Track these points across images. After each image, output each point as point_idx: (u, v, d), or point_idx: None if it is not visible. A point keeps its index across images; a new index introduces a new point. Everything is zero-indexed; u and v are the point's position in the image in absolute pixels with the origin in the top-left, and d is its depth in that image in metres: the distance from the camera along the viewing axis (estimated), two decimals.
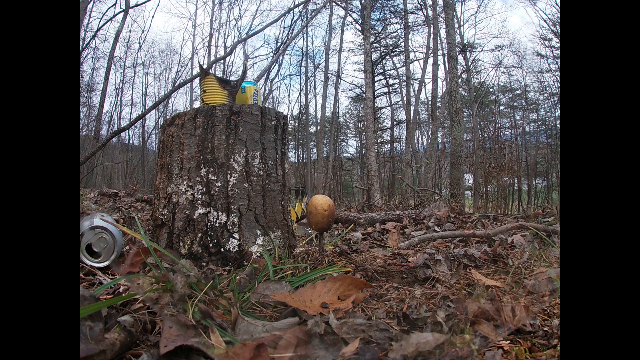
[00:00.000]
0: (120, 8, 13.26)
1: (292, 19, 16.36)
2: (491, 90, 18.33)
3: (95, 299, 0.78)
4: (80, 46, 13.36)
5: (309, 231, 2.47)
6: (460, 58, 14.73)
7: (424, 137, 18.27)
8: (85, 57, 16.18)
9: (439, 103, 14.16)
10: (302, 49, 19.66)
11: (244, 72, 1.79)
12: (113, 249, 1.29)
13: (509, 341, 0.80)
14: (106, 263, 1.28)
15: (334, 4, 15.51)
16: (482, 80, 17.82)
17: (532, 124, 19.09)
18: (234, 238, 1.43)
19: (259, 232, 1.47)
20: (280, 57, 16.54)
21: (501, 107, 18.49)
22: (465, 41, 16.32)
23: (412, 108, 14.91)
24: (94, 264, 1.26)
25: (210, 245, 1.42)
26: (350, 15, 16.58)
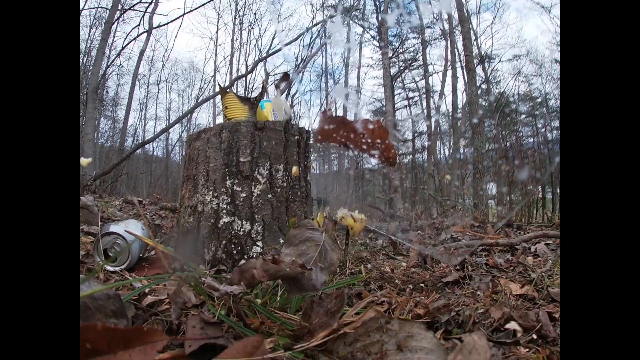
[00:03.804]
0: (144, 29, 13.78)
1: (311, 38, 16.61)
2: (511, 99, 18.03)
3: (119, 297, 0.81)
4: (106, 63, 13.87)
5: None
6: (479, 69, 14.62)
7: (445, 147, 18.08)
8: (110, 73, 16.79)
9: (459, 114, 14.04)
10: (321, 65, 19.86)
11: (263, 88, 1.85)
12: (128, 253, 1.36)
13: (527, 349, 0.80)
14: (122, 267, 1.35)
15: (351, 21, 15.69)
16: (501, 90, 17.57)
17: (555, 131, 18.63)
18: (257, 246, 1.47)
19: (282, 241, 1.50)
20: (301, 74, 16.77)
21: (522, 116, 18.14)
22: (483, 52, 16.19)
23: (432, 120, 14.85)
24: (108, 267, 1.33)
25: (234, 252, 1.46)
26: (367, 32, 16.72)
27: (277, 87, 1.77)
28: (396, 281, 1.29)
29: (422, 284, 1.27)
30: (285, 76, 1.77)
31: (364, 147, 0.83)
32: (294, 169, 1.55)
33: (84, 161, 2.79)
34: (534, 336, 0.85)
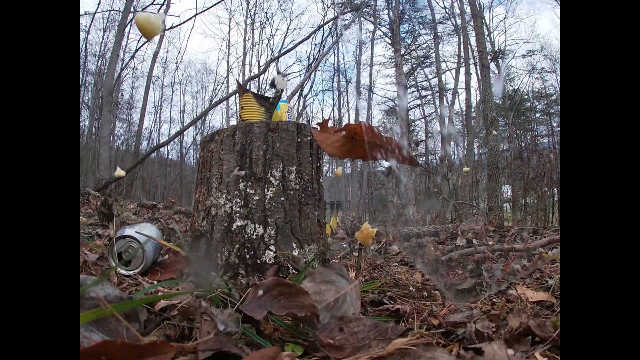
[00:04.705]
0: None
1: (323, 36, 16.65)
2: (526, 97, 17.78)
3: (132, 300, 0.81)
4: (120, 66, 14.12)
5: (344, 245, 2.48)
6: (492, 66, 14.47)
7: (459, 148, 17.94)
8: (125, 76, 17.09)
9: (474, 113, 13.92)
10: (333, 64, 19.88)
11: (281, 90, 1.84)
12: (142, 257, 1.36)
13: (546, 358, 0.78)
14: (136, 271, 1.35)
15: (362, 18, 15.69)
16: (516, 87, 17.35)
17: None
18: (271, 250, 1.47)
19: (294, 245, 1.50)
20: (313, 74, 16.80)
21: (537, 114, 17.87)
22: (496, 48, 16.01)
23: (446, 119, 14.72)
24: (122, 271, 1.33)
25: (247, 256, 1.46)
26: (379, 29, 16.70)
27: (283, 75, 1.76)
28: (410, 288, 1.27)
29: (437, 291, 1.25)
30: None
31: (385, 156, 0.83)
32: (337, 170, 1.52)
33: (119, 172, 2.86)
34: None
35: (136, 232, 1.40)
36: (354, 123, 0.84)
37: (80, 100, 16.78)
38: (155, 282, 1.29)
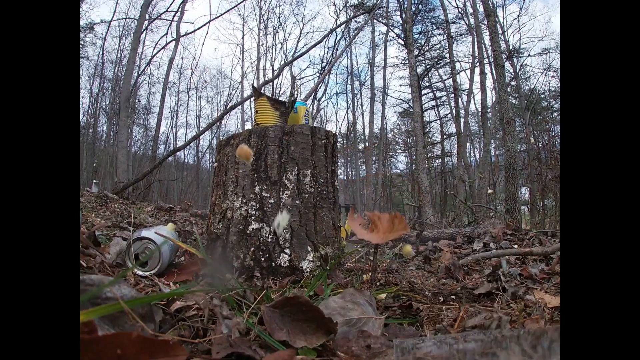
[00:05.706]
0: (172, 37, 14.25)
1: (336, 39, 16.69)
2: (542, 96, 17.49)
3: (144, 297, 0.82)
4: (137, 72, 14.39)
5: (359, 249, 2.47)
6: (507, 65, 14.24)
7: (475, 150, 17.74)
8: (142, 82, 17.42)
9: (490, 114, 13.73)
10: (346, 67, 19.90)
11: (297, 94, 1.86)
12: (158, 259, 1.38)
13: None
14: (152, 272, 1.37)
15: (375, 20, 15.67)
16: (532, 86, 17.09)
17: None
18: (285, 253, 1.47)
19: (309, 248, 1.50)
20: (326, 77, 16.83)
21: (554, 114, 17.55)
22: (510, 47, 15.78)
23: (461, 120, 14.53)
24: (138, 272, 1.35)
25: (262, 259, 1.47)
26: (392, 30, 16.64)
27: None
28: (426, 293, 1.26)
29: (453, 296, 1.23)
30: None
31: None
32: (406, 248, 1.24)
33: (170, 226, 2.96)
34: None
35: (156, 233, 1.42)
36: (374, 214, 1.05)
37: (98, 106, 17.18)
38: (170, 283, 1.30)
